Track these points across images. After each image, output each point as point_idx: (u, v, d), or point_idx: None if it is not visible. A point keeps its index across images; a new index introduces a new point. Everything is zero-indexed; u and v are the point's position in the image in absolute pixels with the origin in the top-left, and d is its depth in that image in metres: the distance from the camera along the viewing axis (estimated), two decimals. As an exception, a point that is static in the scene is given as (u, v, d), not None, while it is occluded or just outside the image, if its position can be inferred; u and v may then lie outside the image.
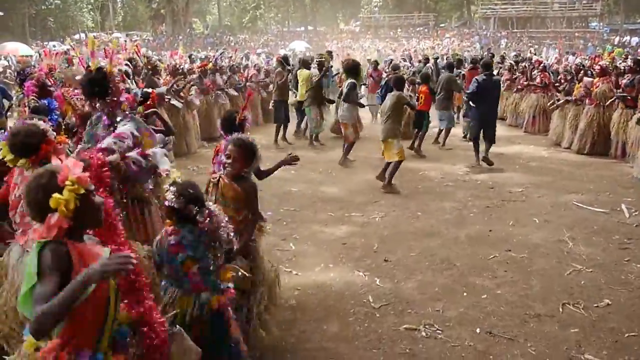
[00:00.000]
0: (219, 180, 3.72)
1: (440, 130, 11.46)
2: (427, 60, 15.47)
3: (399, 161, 8.10)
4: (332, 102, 11.69)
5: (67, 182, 2.10)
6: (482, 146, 9.74)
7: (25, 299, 2.02)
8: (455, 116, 12.78)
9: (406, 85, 10.52)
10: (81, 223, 2.20)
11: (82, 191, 2.13)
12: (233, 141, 3.73)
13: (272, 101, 11.97)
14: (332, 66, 14.04)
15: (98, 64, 4.18)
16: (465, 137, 12.08)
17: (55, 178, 2.12)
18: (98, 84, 4.04)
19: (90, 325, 2.18)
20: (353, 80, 9.50)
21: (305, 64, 11.93)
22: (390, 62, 14.93)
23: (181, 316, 3.08)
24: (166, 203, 3.07)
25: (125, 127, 3.87)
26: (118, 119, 4.07)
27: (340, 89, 10.71)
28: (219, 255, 3.15)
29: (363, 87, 13.50)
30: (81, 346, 2.16)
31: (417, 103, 10.01)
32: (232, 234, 3.23)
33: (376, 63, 14.60)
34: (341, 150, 10.06)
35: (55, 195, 2.08)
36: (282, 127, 11.75)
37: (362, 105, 10.87)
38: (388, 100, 8.25)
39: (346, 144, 9.86)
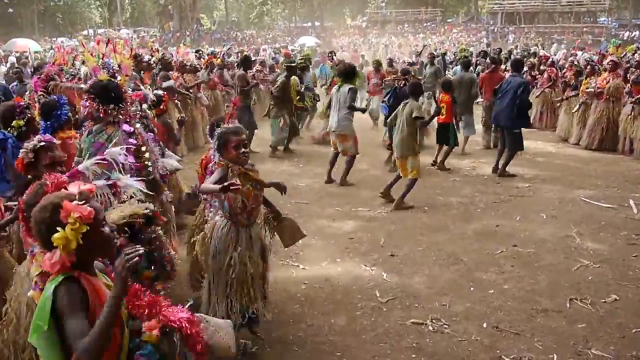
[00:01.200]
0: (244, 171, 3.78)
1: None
2: (433, 59, 14.06)
3: (414, 180, 7.26)
4: (311, 98, 11.24)
5: (70, 220, 2.03)
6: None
7: (34, 334, 2.01)
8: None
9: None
10: (89, 254, 2.14)
11: (85, 229, 2.05)
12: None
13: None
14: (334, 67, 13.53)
15: (107, 78, 4.23)
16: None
17: (58, 213, 2.04)
18: (114, 92, 4.08)
19: (112, 349, 2.18)
20: (353, 86, 8.38)
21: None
22: (390, 62, 14.31)
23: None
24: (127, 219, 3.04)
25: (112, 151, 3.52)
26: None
27: (329, 96, 9.52)
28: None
29: (364, 92, 12.74)
30: None
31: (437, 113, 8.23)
32: (171, 256, 3.29)
33: (378, 63, 13.28)
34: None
35: (56, 235, 2.02)
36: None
37: (364, 111, 9.78)
38: (404, 110, 7.26)
39: (347, 159, 8.37)
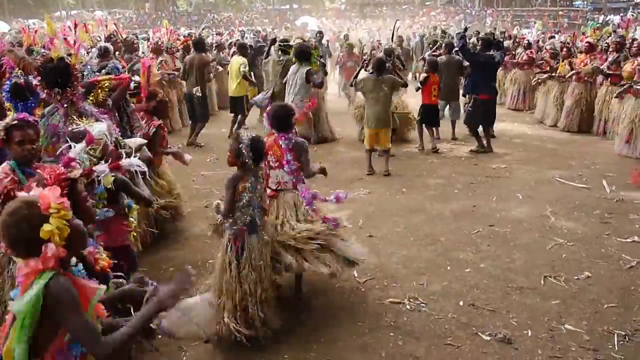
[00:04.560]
0: None
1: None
2: (401, 43, 13.84)
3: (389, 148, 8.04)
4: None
5: (52, 210, 1.95)
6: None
7: (20, 337, 1.96)
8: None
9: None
10: (69, 250, 2.06)
11: (70, 216, 2.00)
12: None
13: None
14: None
15: (59, 54, 4.08)
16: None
17: (34, 208, 1.96)
18: (60, 74, 3.94)
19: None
20: (310, 68, 8.40)
21: (242, 48, 10.37)
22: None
23: None
24: None
25: (97, 129, 3.39)
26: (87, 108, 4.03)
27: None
28: None
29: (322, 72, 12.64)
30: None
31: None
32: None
33: (351, 46, 13.20)
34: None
35: (46, 225, 1.93)
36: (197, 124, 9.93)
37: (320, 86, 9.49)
38: (382, 84, 7.64)
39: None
